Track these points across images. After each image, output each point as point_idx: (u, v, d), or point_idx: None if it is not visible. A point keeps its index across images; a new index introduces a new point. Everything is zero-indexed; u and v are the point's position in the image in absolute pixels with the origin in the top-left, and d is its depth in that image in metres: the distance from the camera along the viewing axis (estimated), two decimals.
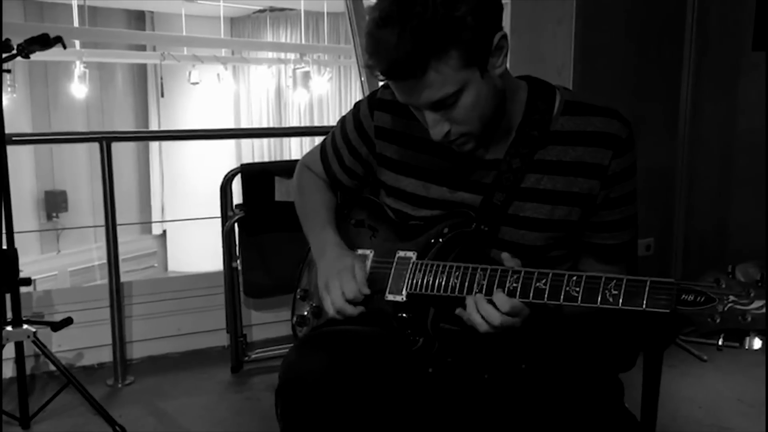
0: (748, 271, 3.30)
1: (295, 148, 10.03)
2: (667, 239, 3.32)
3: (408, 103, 1.28)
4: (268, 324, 3.15)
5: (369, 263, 1.45)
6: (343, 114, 1.58)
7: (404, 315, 1.34)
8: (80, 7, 7.94)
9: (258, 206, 2.90)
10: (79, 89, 8.31)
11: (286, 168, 2.87)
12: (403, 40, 1.15)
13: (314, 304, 1.53)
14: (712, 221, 3.35)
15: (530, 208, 1.34)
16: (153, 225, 10.51)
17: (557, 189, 1.33)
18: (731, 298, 1.05)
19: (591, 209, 1.34)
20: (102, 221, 2.90)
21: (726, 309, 1.05)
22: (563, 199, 1.33)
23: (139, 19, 10.38)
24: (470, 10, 1.16)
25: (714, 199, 3.34)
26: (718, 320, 1.05)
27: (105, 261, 2.88)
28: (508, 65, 1.30)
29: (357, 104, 1.53)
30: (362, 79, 3.87)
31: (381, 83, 1.44)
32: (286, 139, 10.38)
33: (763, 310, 1.01)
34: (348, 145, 1.53)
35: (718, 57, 3.22)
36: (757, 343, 1.01)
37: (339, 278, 1.39)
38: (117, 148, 2.87)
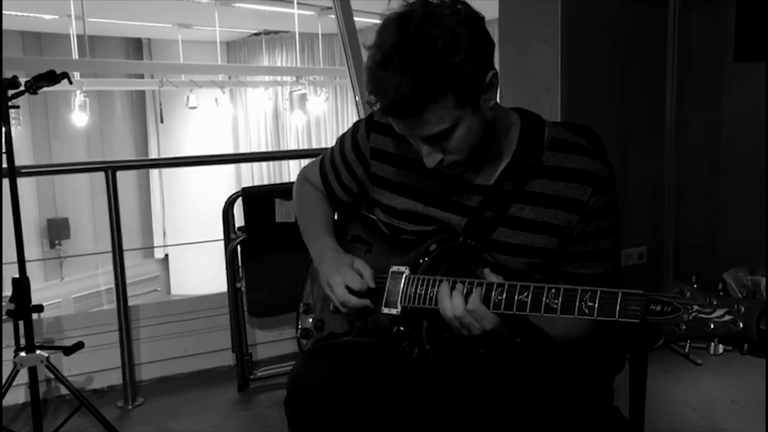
0: (738, 275, 3.35)
1: (294, 170, 10.10)
2: (659, 248, 3.40)
3: (405, 135, 1.37)
4: (273, 342, 3.22)
5: None
6: (341, 133, 1.66)
7: (400, 328, 1.42)
8: (79, 37, 8.04)
9: (259, 228, 2.98)
10: (79, 118, 8.40)
11: (285, 190, 2.93)
12: (403, 83, 1.23)
13: (316, 317, 1.61)
14: (701, 228, 3.42)
15: (511, 235, 1.42)
16: (155, 249, 10.56)
17: (538, 219, 1.41)
18: (695, 307, 1.13)
19: (568, 240, 1.42)
20: (105, 247, 2.97)
21: (691, 318, 1.13)
22: (543, 229, 1.41)
23: (136, 46, 10.49)
24: (466, 56, 1.23)
25: (702, 207, 3.41)
26: (684, 328, 1.13)
27: (109, 287, 2.95)
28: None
29: (356, 125, 1.61)
30: (357, 98, 3.98)
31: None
32: (285, 162, 10.48)
33: (725, 318, 1.09)
34: (345, 164, 1.61)
35: (701, 69, 3.32)
36: (720, 349, 1.09)
37: (341, 274, 1.46)
38: (118, 174, 2.94)
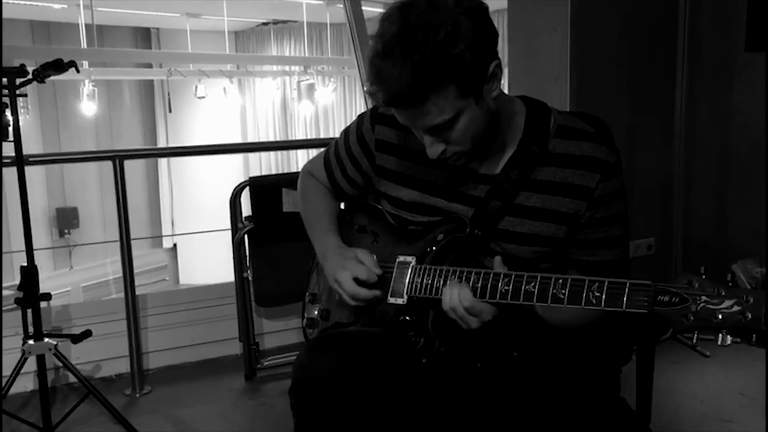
0: (747, 267, 3.32)
1: (302, 160, 10.09)
2: (667, 239, 3.39)
3: (408, 126, 1.36)
4: (280, 332, 3.23)
5: None
6: (348, 123, 1.66)
7: (406, 318, 1.42)
8: (87, 26, 8.05)
9: (266, 217, 2.97)
10: (88, 107, 8.42)
11: (292, 180, 2.91)
12: (404, 73, 1.22)
13: (322, 307, 1.61)
14: (710, 220, 3.40)
15: (519, 224, 1.41)
16: (163, 239, 10.60)
17: (546, 207, 1.40)
18: (703, 298, 1.12)
19: (576, 228, 1.41)
20: (114, 236, 2.98)
21: (699, 308, 1.12)
22: (551, 217, 1.40)
23: (144, 36, 10.50)
24: (468, 46, 1.22)
25: (712, 199, 3.39)
26: (691, 319, 1.12)
27: (118, 275, 2.95)
28: (506, 74, 1.37)
29: (360, 117, 1.60)
30: (365, 88, 3.96)
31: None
32: (293, 151, 10.48)
33: (733, 309, 1.08)
34: (350, 157, 1.60)
35: (711, 59, 3.28)
36: (728, 340, 1.08)
37: (347, 268, 1.46)
38: (126, 163, 2.94)
